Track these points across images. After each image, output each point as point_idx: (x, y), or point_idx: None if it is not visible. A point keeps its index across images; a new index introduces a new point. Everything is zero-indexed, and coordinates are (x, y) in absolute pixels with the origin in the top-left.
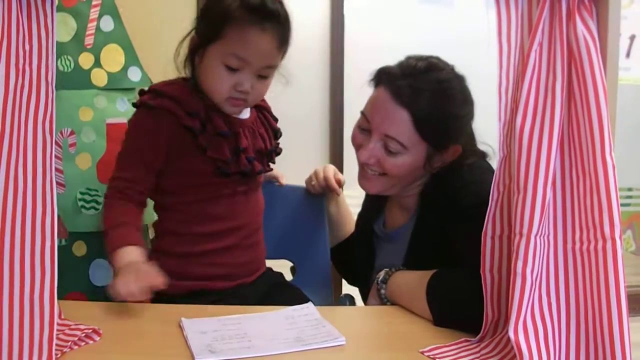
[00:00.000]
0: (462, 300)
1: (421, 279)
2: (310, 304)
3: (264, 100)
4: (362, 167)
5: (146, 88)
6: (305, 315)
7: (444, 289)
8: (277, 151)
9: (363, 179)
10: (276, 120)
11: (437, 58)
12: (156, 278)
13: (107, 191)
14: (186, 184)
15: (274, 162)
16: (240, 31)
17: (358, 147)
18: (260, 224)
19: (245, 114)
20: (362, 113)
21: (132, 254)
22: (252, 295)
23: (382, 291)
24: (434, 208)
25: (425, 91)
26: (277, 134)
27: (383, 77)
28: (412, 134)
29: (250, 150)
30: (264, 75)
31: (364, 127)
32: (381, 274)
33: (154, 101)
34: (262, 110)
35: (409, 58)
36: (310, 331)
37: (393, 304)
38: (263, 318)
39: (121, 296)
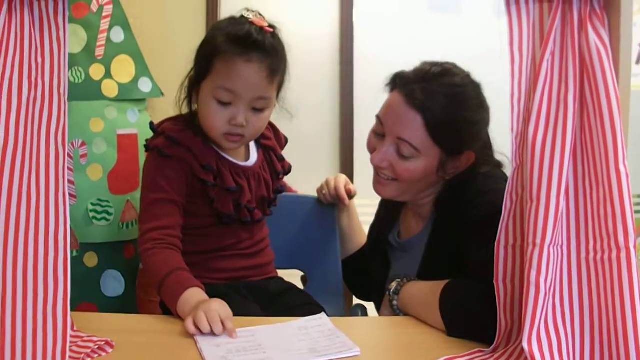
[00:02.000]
0: (475, 311)
1: (433, 290)
2: (323, 315)
3: (270, 139)
4: (376, 171)
5: (155, 123)
6: (318, 326)
7: (457, 299)
8: (287, 171)
9: (377, 184)
10: (286, 142)
11: (453, 64)
12: (227, 313)
13: (144, 244)
14: (191, 226)
15: (275, 205)
16: (226, 63)
17: (372, 151)
18: (266, 239)
19: (252, 159)
20: (377, 117)
21: (199, 295)
22: (262, 294)
23: (394, 302)
24: (449, 217)
25: (439, 95)
26: (285, 170)
27: (397, 81)
28: (424, 138)
29: (253, 201)
30: (258, 107)
31: (379, 132)
32: (393, 285)
33: (170, 150)
34: (269, 151)
35: (424, 63)
36: (324, 342)
37: (405, 314)
38: (276, 329)
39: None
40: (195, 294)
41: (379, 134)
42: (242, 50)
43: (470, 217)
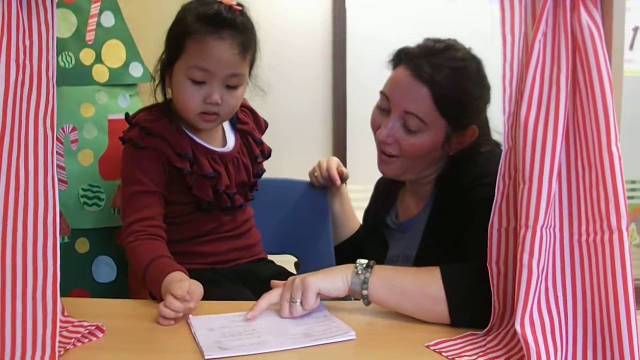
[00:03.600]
0: (481, 297)
1: (414, 277)
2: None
3: (247, 124)
4: (380, 150)
5: (130, 113)
6: (313, 311)
7: (465, 288)
8: (267, 156)
9: (381, 163)
10: (266, 126)
11: (455, 40)
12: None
13: (128, 237)
14: (171, 214)
15: (257, 190)
16: (198, 42)
17: (377, 128)
18: (250, 220)
19: (229, 144)
20: (382, 92)
21: (180, 277)
22: (252, 278)
23: (365, 292)
24: (449, 197)
25: (445, 68)
26: (265, 154)
27: (402, 57)
28: (431, 110)
29: (232, 186)
30: (232, 85)
31: (384, 107)
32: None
33: (144, 141)
34: (246, 135)
35: (427, 39)
36: (319, 327)
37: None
38: (271, 314)
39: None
40: (176, 277)
41: (384, 110)
42: (213, 28)
43: (471, 197)
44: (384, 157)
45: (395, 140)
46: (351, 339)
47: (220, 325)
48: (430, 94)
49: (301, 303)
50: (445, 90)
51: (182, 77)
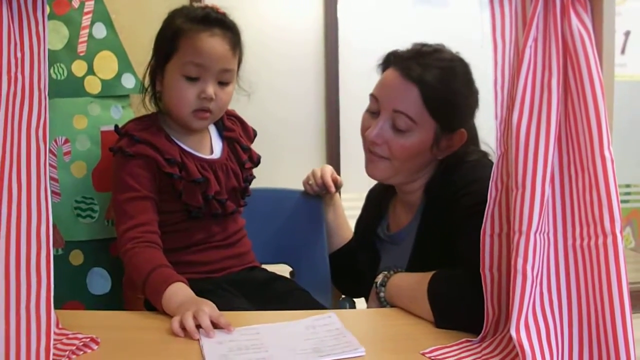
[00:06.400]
0: (463, 301)
1: (420, 281)
2: (332, 314)
3: (234, 131)
4: (368, 150)
5: (120, 125)
6: (325, 325)
7: (445, 289)
8: (255, 162)
9: (369, 163)
10: (255, 134)
11: (442, 45)
12: (215, 312)
13: (124, 245)
14: (161, 223)
15: (249, 195)
16: (191, 39)
17: (366, 130)
18: (241, 231)
19: (216, 152)
20: (371, 95)
21: (183, 290)
22: (246, 285)
23: (381, 294)
24: (437, 206)
25: (433, 68)
26: (253, 160)
27: (392, 59)
28: (421, 110)
29: (223, 192)
30: (224, 81)
31: (373, 109)
32: (380, 277)
33: (133, 149)
34: (233, 142)
35: (415, 44)
36: (330, 341)
37: (392, 306)
38: (282, 328)
39: (192, 330)
40: (179, 289)
41: (373, 113)
42: (205, 26)
43: (459, 206)
44: (372, 156)
45: (385, 141)
46: (360, 356)
47: (229, 339)
48: (419, 93)
49: None
50: (434, 89)
51: (176, 75)
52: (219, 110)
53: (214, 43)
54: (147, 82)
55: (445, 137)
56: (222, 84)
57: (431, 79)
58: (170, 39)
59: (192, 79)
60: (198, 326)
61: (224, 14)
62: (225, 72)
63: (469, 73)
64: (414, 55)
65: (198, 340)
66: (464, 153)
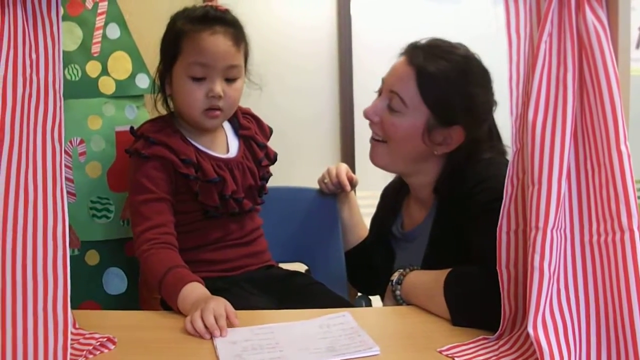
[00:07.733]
0: (479, 298)
1: (436, 278)
2: (347, 313)
3: (249, 129)
4: (371, 138)
5: (137, 125)
6: (340, 324)
7: (461, 287)
8: (272, 159)
9: (371, 151)
10: (271, 132)
11: (462, 44)
12: (220, 309)
13: (140, 246)
14: (178, 223)
15: (266, 193)
16: (193, 40)
17: None
18: (258, 229)
19: (232, 150)
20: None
21: (198, 289)
22: (264, 282)
23: (397, 292)
24: (451, 204)
25: (440, 60)
26: (270, 158)
27: (408, 47)
28: (414, 93)
29: (240, 191)
30: (231, 77)
31: (380, 92)
32: (395, 275)
33: (148, 150)
34: (249, 140)
35: (435, 38)
36: (344, 340)
37: (408, 304)
38: (296, 327)
39: (202, 331)
40: (194, 289)
41: (380, 95)
42: (205, 25)
43: (473, 203)
44: (372, 142)
45: (380, 119)
46: (375, 355)
47: (244, 338)
48: (414, 77)
49: None
50: (432, 78)
51: (182, 77)
52: (230, 107)
53: (216, 41)
54: (157, 86)
55: (439, 130)
56: (230, 80)
57: (433, 69)
58: (173, 41)
59: (199, 79)
60: None
61: (224, 11)
62: (231, 68)
63: (482, 75)
64: (427, 46)
65: (211, 339)
66: (475, 151)
